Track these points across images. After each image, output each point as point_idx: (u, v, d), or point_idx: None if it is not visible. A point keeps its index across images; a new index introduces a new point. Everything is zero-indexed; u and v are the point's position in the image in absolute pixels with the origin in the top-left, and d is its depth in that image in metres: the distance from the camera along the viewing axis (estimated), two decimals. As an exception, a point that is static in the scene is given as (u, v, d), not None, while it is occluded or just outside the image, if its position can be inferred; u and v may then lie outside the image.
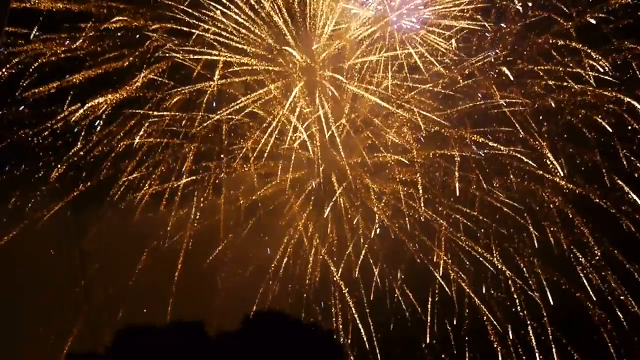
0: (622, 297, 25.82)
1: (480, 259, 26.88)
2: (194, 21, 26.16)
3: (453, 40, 26.77)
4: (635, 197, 25.94)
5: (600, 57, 26.24)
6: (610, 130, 26.27)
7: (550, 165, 26.50)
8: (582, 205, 26.70)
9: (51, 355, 24.10)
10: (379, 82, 27.14)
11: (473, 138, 27.03)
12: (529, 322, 26.50)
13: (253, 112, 27.57)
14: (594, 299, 26.02)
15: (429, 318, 26.81)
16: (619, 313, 25.81)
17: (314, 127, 27.04)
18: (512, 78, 26.70)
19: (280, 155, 27.56)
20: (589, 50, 26.34)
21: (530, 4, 26.74)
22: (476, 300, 26.53)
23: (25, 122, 25.94)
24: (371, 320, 26.61)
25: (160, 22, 26.37)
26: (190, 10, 26.03)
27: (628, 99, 26.13)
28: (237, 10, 26.44)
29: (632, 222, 25.87)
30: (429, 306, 26.87)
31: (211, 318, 22.44)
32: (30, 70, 25.41)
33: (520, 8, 26.68)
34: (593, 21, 26.32)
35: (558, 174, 26.45)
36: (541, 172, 26.73)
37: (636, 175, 26.38)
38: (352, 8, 26.71)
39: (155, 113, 27.04)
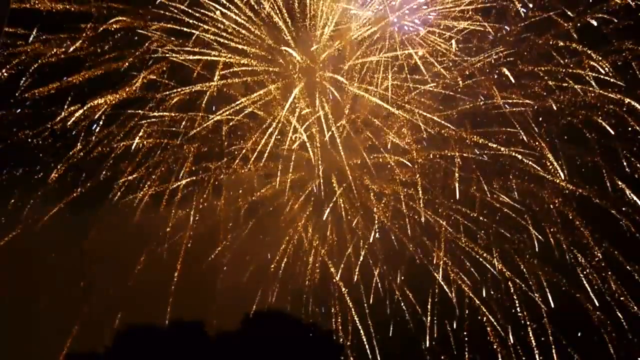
0: (622, 298, 26.03)
1: (481, 259, 27.10)
2: (194, 22, 26.44)
3: (453, 41, 26.96)
4: (635, 198, 26.15)
5: (600, 58, 26.51)
6: (611, 132, 26.53)
7: (550, 166, 26.77)
8: (582, 206, 26.93)
9: (51, 355, 24.29)
10: (379, 83, 27.25)
11: (473, 139, 27.24)
12: (528, 323, 26.71)
13: (253, 113, 27.80)
14: (594, 299, 26.26)
15: (428, 319, 27.00)
16: (619, 314, 26.01)
17: (314, 128, 27.28)
18: (512, 79, 26.93)
19: (280, 156, 27.75)
20: (589, 51, 26.61)
21: (530, 5, 26.99)
22: (476, 301, 26.77)
23: (25, 123, 26.18)
24: (371, 321, 26.80)
25: (160, 22, 26.58)
26: (190, 11, 26.28)
27: (628, 100, 26.32)
28: (237, 11, 26.71)
29: (632, 223, 26.10)
30: (429, 307, 27.04)
31: (211, 318, 22.88)
32: (30, 71, 25.67)
33: (520, 9, 26.95)
34: (593, 22, 26.56)
35: (558, 175, 26.69)
36: (541, 173, 26.95)
37: (636, 176, 26.60)
38: (352, 9, 26.92)
39: (155, 114, 27.28)
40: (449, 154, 27.65)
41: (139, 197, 27.02)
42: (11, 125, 26.01)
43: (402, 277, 27.36)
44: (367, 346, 26.57)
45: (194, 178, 27.80)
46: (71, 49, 26.07)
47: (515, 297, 26.84)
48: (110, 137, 26.93)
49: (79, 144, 26.37)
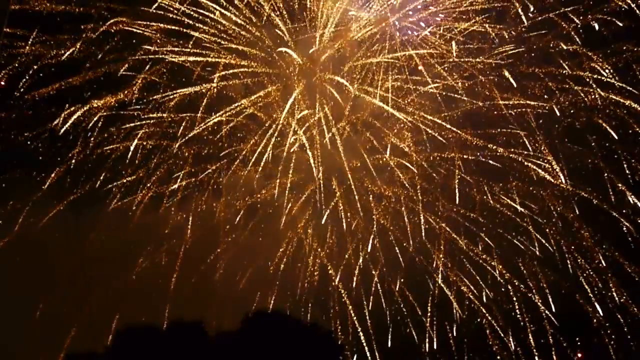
0: (622, 300, 26.37)
1: (481, 261, 27.46)
2: (194, 23, 26.72)
3: (453, 43, 27.23)
4: (635, 200, 26.51)
5: (601, 60, 26.84)
6: (613, 134, 26.88)
7: (551, 169, 27.04)
8: (583, 208, 27.25)
9: (51, 355, 24.53)
10: (379, 85, 27.39)
11: (474, 141, 27.45)
12: (528, 325, 27.02)
13: (253, 114, 28.04)
14: (594, 301, 26.61)
15: (428, 320, 27.33)
16: (619, 316, 26.41)
17: (314, 130, 27.49)
18: (512, 81, 27.07)
19: (280, 157, 27.81)
20: (590, 53, 26.93)
21: (531, 8, 27.11)
22: (476, 302, 27.11)
23: (24, 125, 26.45)
24: (370, 323, 27.14)
25: (160, 24, 26.80)
26: (189, 12, 26.54)
27: (629, 102, 26.66)
28: (236, 12, 26.94)
29: (633, 225, 26.47)
30: (428, 309, 27.34)
31: (211, 318, 23.11)
32: (30, 72, 25.98)
33: (521, 11, 27.05)
34: (595, 24, 26.92)
35: (559, 177, 26.94)
36: (542, 175, 27.23)
37: (637, 178, 26.97)
38: (353, 10, 27.18)
39: (155, 115, 27.49)
40: (449, 156, 27.88)
41: (138, 199, 27.35)
42: (11, 126, 26.36)
43: (402, 279, 27.69)
44: (366, 348, 26.95)
45: (194, 179, 28.11)
46: (70, 51, 26.32)
47: (515, 299, 27.17)
48: (109, 139, 27.26)
49: (78, 146, 26.66)
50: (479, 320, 27.19)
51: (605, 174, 27.20)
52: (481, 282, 27.36)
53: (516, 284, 27.25)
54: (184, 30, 26.71)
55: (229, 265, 27.88)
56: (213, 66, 27.09)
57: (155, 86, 27.43)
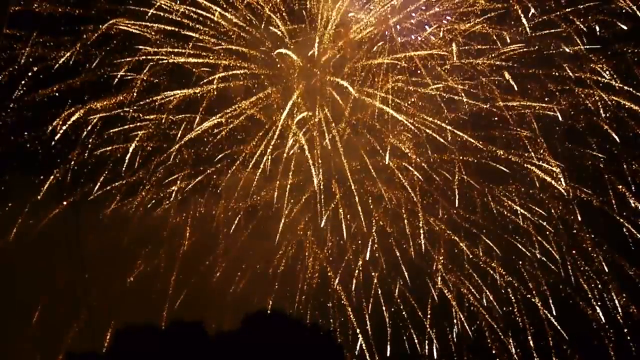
0: (622, 302, 26.82)
1: (481, 264, 27.91)
2: (194, 24, 27.13)
3: (454, 44, 27.65)
4: (637, 202, 27.02)
5: (602, 62, 27.34)
6: (614, 136, 27.22)
7: (551, 170, 27.42)
8: (584, 211, 27.66)
9: (51, 355, 24.94)
10: (379, 86, 27.69)
11: (474, 143, 27.78)
12: (528, 328, 27.45)
13: (252, 116, 28.37)
14: (595, 304, 27.04)
15: (428, 322, 27.68)
16: (619, 319, 26.87)
17: (314, 131, 27.80)
18: (513, 83, 27.37)
19: (279, 159, 27.98)
20: (591, 55, 27.42)
21: (532, 10, 27.39)
22: (476, 304, 27.59)
23: (23, 126, 26.82)
24: (370, 325, 27.50)
25: (159, 25, 27.11)
26: (189, 13, 26.96)
27: (630, 104, 27.09)
28: (236, 14, 27.34)
29: (634, 228, 26.88)
30: (428, 311, 27.71)
31: (211, 319, 23.38)
32: (29, 73, 26.33)
33: (521, 13, 27.34)
34: (595, 26, 27.29)
35: (559, 179, 27.31)
36: (542, 177, 27.59)
37: (638, 180, 27.46)
38: (353, 11, 27.64)
39: (154, 117, 27.81)
40: (449, 158, 28.21)
41: (138, 200, 27.83)
42: (10, 128, 26.65)
43: (401, 281, 28.04)
44: (366, 350, 27.37)
45: (193, 181, 28.48)
46: (70, 52, 26.67)
47: (515, 301, 27.55)
48: (108, 140, 27.57)
49: (77, 147, 27.03)
50: (478, 322, 27.63)
51: (606, 176, 27.66)
52: (481, 284, 27.81)
53: (516, 286, 27.71)
54: (183, 31, 27.06)
55: (228, 266, 28.33)
56: (213, 67, 27.50)
57: (154, 88, 27.80)
